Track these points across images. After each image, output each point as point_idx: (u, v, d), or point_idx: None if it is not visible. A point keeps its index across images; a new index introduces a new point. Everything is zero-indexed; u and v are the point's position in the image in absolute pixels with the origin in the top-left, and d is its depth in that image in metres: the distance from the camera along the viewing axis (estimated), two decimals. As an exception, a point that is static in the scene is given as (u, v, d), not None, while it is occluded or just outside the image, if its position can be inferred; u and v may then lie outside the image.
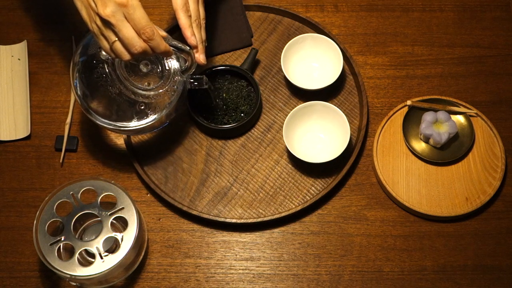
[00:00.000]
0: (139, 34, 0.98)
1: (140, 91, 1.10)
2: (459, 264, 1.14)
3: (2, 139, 1.23)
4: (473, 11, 1.34)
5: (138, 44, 0.98)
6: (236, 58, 1.30)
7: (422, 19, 1.34)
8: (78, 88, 1.11)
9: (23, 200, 1.20)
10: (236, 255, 1.16)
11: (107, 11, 0.96)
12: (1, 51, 1.30)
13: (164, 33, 1.05)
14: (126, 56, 1.00)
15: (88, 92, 1.11)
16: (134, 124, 1.10)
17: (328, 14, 1.34)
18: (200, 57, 1.12)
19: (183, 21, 1.10)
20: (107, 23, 0.98)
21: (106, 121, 1.11)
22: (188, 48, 1.08)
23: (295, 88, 1.26)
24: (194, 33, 1.10)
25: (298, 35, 1.27)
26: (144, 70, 1.11)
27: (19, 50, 1.31)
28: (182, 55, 1.10)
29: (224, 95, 1.24)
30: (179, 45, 1.07)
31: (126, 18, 0.97)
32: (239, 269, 1.15)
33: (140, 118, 1.10)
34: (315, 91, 1.24)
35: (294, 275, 1.14)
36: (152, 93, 1.10)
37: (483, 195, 1.17)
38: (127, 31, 0.97)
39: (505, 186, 1.19)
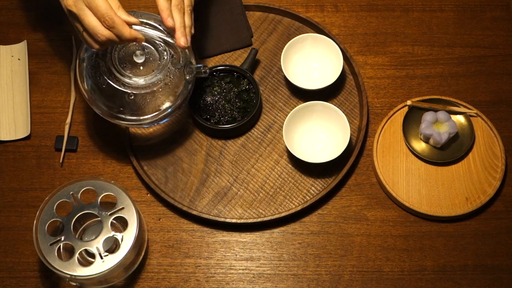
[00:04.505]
0: (102, 22, 0.96)
1: (128, 80, 1.07)
2: (459, 264, 1.14)
3: (2, 139, 1.23)
4: (473, 11, 1.34)
5: (101, 33, 0.97)
6: (236, 58, 1.30)
7: (422, 19, 1.34)
8: (85, 82, 1.09)
9: (23, 200, 1.20)
10: (236, 255, 1.16)
11: (69, 0, 0.96)
12: (1, 51, 1.30)
13: (134, 20, 1.01)
14: (94, 45, 0.99)
15: (95, 86, 1.09)
16: (131, 117, 1.10)
17: (328, 14, 1.34)
18: (180, 39, 1.05)
19: (160, 3, 1.04)
20: (71, 14, 0.97)
21: (108, 111, 1.10)
22: (171, 40, 1.06)
23: (295, 88, 1.26)
24: (171, 15, 1.04)
25: (298, 35, 1.27)
26: (137, 60, 1.08)
27: (19, 50, 1.31)
28: (170, 48, 1.08)
29: (224, 95, 1.24)
30: (162, 36, 1.05)
31: (88, 6, 0.96)
32: (239, 269, 1.15)
33: (133, 113, 1.10)
34: (315, 91, 1.24)
35: (294, 275, 1.14)
36: (140, 82, 1.08)
37: (483, 195, 1.17)
38: (89, 20, 0.96)
39: (505, 186, 1.19)
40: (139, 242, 1.09)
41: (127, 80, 1.08)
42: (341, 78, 1.27)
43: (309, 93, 1.25)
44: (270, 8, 1.33)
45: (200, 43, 1.31)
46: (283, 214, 1.16)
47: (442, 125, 1.19)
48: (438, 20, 1.34)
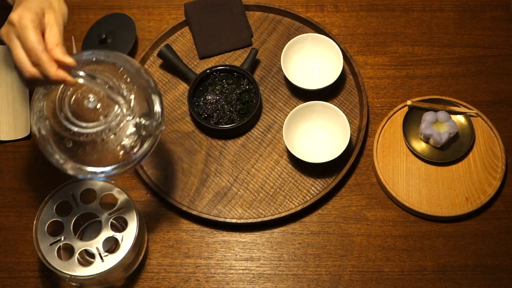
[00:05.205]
0: (29, 57, 0.87)
1: (67, 124, 0.95)
2: (459, 264, 1.14)
3: (2, 139, 1.23)
4: (473, 11, 1.34)
5: (26, 69, 0.87)
6: (236, 58, 1.30)
7: (422, 19, 1.34)
8: (34, 119, 0.97)
9: (23, 200, 1.20)
10: (236, 255, 1.16)
11: (2, 30, 0.88)
12: (1, 51, 1.30)
13: (70, 60, 0.89)
14: (22, 81, 0.89)
15: (40, 125, 0.97)
16: (71, 165, 0.97)
17: (328, 14, 1.34)
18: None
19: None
20: (6, 44, 0.88)
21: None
22: (113, 94, 0.94)
23: (295, 88, 1.26)
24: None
25: (298, 35, 1.27)
26: (88, 105, 0.95)
27: (19, 50, 1.31)
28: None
29: (226, 95, 1.24)
30: (105, 87, 0.93)
31: (18, 38, 0.87)
32: (239, 269, 1.15)
33: (72, 159, 0.97)
34: (315, 91, 1.24)
35: (294, 275, 1.14)
36: (77, 127, 0.95)
37: (483, 195, 1.17)
38: (17, 53, 0.87)
39: (505, 186, 1.19)
40: (139, 242, 1.09)
41: (65, 123, 0.95)
42: (341, 78, 1.27)
43: (309, 93, 1.25)
44: (270, 8, 1.33)
45: (200, 43, 1.31)
46: (283, 214, 1.16)
47: (442, 125, 1.19)
48: (438, 20, 1.34)
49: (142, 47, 1.32)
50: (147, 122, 0.96)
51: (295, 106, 1.20)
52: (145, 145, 0.97)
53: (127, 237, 1.05)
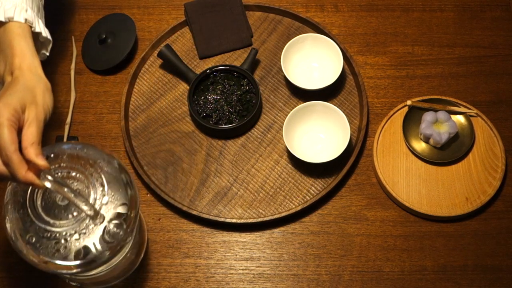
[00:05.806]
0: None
1: (33, 218, 0.92)
2: (459, 264, 1.14)
3: (2, 139, 1.23)
4: (473, 11, 1.34)
5: None
6: (236, 58, 1.30)
7: (422, 19, 1.34)
8: (5, 197, 0.94)
9: (23, 200, 1.20)
10: (236, 255, 1.16)
11: None
12: None
13: (42, 163, 0.86)
14: None
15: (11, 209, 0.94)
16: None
17: (328, 14, 1.34)
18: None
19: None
20: None
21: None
22: (80, 203, 0.90)
23: (295, 88, 1.26)
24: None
25: (298, 35, 1.27)
26: (59, 202, 0.92)
27: (19, 50, 1.30)
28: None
29: (226, 96, 1.24)
30: (72, 196, 0.89)
31: None
32: (239, 269, 1.15)
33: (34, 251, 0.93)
34: (315, 91, 1.24)
35: (294, 275, 1.14)
36: (49, 228, 0.91)
37: (483, 195, 1.17)
38: None
39: (505, 186, 1.19)
40: (139, 242, 1.09)
41: (32, 217, 0.92)
42: (341, 78, 1.27)
43: (309, 93, 1.25)
44: (270, 8, 1.33)
45: (200, 43, 1.31)
46: (283, 214, 1.16)
47: (442, 125, 1.19)
48: (438, 20, 1.34)
49: (142, 47, 1.33)
50: (116, 231, 0.92)
51: (295, 106, 1.20)
52: (108, 253, 0.93)
53: (127, 237, 1.05)
